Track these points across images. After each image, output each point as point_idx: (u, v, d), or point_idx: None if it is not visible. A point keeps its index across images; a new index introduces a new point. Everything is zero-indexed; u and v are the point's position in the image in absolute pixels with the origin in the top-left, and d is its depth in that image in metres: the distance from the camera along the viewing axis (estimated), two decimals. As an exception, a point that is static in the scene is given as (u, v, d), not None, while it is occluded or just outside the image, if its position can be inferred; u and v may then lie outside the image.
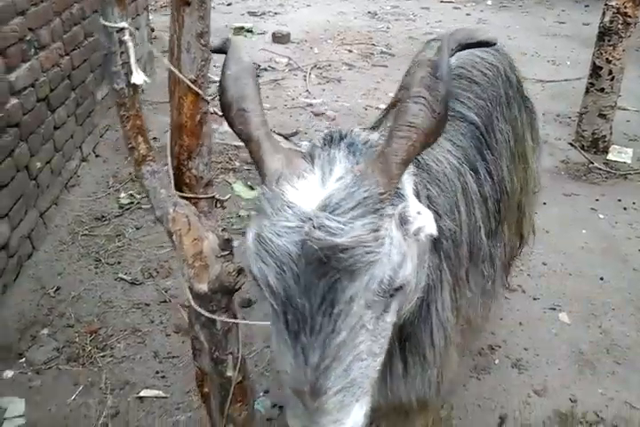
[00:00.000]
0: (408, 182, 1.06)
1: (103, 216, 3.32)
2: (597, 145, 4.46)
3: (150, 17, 6.87)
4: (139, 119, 1.26)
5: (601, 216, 3.70)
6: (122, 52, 1.17)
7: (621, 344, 2.70)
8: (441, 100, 0.91)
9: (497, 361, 2.58)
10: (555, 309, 2.90)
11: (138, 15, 4.69)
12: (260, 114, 1.00)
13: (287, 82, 5.58)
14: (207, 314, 1.29)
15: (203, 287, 1.29)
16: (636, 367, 2.57)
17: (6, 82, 2.65)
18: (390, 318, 0.99)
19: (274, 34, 6.58)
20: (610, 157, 4.43)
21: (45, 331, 2.56)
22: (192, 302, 1.31)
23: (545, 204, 3.79)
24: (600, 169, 4.24)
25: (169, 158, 1.33)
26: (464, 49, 1.00)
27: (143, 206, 3.45)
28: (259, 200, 0.94)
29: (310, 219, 0.87)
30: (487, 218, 1.74)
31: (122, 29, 1.15)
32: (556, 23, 8.12)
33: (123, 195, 3.52)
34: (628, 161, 4.38)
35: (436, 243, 1.30)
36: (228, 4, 8.01)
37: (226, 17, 7.34)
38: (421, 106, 0.91)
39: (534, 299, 2.97)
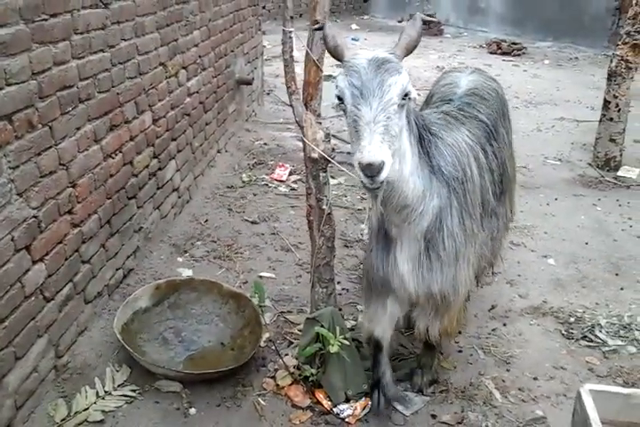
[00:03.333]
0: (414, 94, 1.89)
1: (232, 186, 4.81)
2: (609, 164, 5.58)
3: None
4: (293, 73, 2.65)
5: (599, 208, 4.82)
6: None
7: (589, 277, 3.81)
8: (418, 29, 1.93)
9: (496, 279, 3.76)
10: (546, 256, 4.06)
11: (256, 59, 6.36)
12: (344, 41, 1.97)
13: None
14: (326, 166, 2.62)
15: (315, 155, 2.60)
16: (597, 290, 3.68)
17: (185, 87, 4.22)
18: (402, 118, 1.85)
19: (356, 79, 8.15)
20: (619, 173, 5.53)
21: (199, 242, 4.00)
22: (310, 159, 2.64)
23: (556, 199, 4.99)
24: (608, 181, 5.36)
25: (301, 97, 2.68)
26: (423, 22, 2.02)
27: (258, 183, 4.94)
28: (342, 66, 1.88)
29: (371, 56, 1.81)
30: (493, 184, 2.54)
31: (291, 31, 2.56)
32: (603, 79, 9.28)
33: (244, 175, 5.02)
34: (634, 177, 5.48)
35: (448, 181, 2.18)
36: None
37: (318, 67, 9.05)
38: (411, 29, 1.92)
39: (532, 251, 4.14)
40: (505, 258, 3.98)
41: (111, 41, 2.99)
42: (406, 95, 1.84)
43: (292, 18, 2.58)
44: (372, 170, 1.72)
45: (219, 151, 5.17)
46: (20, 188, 2.34)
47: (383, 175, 1.75)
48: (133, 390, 2.72)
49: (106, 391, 2.70)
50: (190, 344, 3.02)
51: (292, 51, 2.60)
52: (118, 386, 2.74)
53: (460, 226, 2.24)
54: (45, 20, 2.40)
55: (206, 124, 4.73)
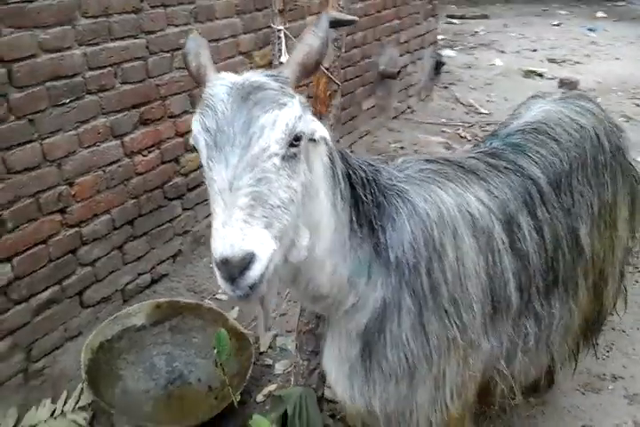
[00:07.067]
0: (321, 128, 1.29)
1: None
2: None
3: (452, 53, 7.87)
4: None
5: None
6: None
7: None
8: (322, 34, 1.28)
9: (611, 387, 2.68)
10: None
11: (421, 48, 5.58)
12: (209, 60, 1.32)
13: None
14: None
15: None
16: None
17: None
18: (299, 175, 1.21)
19: (561, 80, 6.81)
20: None
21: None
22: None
23: None
24: None
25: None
26: (336, 24, 1.38)
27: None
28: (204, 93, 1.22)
29: (237, 80, 1.19)
30: (525, 273, 1.74)
31: (280, 30, 1.92)
32: None
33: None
34: None
35: (398, 269, 1.48)
36: (533, 50, 8.45)
37: (524, 61, 7.84)
38: (312, 35, 1.28)
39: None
40: (631, 353, 2.85)
41: (148, 26, 2.64)
42: (298, 139, 1.19)
43: (281, 11, 1.93)
44: (229, 269, 1.06)
45: (340, 151, 4.63)
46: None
47: (252, 276, 1.07)
48: (86, 418, 2.45)
49: (63, 411, 2.47)
50: (177, 378, 2.63)
51: (282, 55, 1.96)
52: (79, 408, 2.49)
53: (417, 334, 1.52)
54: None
55: (323, 121, 4.21)
